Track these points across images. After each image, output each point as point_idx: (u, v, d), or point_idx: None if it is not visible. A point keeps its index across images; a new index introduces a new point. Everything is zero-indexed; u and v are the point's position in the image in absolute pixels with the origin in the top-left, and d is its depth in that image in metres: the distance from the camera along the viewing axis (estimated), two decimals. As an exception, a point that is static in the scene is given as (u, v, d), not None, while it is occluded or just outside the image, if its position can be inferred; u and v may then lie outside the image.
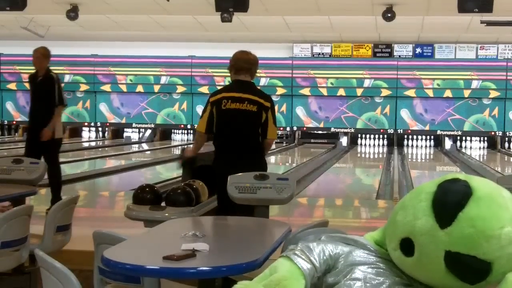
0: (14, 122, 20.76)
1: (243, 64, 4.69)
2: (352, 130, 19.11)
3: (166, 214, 4.13)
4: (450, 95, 18.64)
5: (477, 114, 18.67)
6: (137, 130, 20.31)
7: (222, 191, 4.39)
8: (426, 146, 19.25)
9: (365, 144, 19.34)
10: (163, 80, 19.71)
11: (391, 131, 18.98)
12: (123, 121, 20.11)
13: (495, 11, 10.22)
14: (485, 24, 13.54)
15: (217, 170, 4.65)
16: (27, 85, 21.58)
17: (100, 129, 20.64)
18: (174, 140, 20.15)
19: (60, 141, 7.19)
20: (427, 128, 18.90)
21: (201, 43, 18.89)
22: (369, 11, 13.35)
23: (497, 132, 18.64)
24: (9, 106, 20.53)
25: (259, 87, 5.02)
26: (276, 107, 5.14)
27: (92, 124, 20.29)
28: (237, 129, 4.64)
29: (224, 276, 2.70)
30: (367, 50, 18.94)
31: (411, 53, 18.84)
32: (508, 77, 18.37)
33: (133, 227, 4.51)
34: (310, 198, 9.01)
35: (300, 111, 19.08)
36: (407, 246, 1.93)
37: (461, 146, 18.95)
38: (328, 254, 2.04)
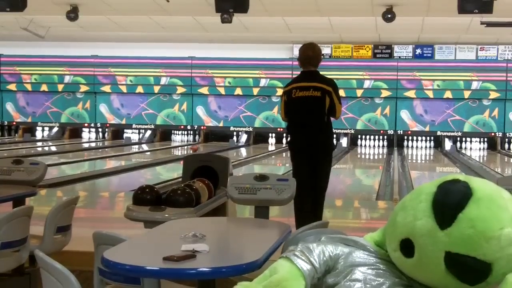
0: (14, 123, 20.77)
1: (304, 58, 5.60)
2: (352, 131, 19.12)
3: (166, 215, 4.13)
4: (450, 96, 18.64)
5: (477, 115, 18.68)
6: (137, 131, 20.31)
7: (296, 164, 5.55)
8: (426, 147, 19.25)
9: (365, 145, 19.34)
10: (163, 81, 19.71)
11: (391, 132, 18.98)
12: (123, 122, 20.11)
13: (495, 12, 10.22)
14: (485, 25, 13.54)
15: (290, 146, 5.67)
16: (27, 86, 21.63)
17: (100, 130, 20.64)
18: (174, 141, 20.15)
19: None
20: (427, 129, 18.90)
21: (201, 44, 18.89)
22: (369, 12, 13.35)
23: (497, 133, 18.65)
24: (9, 107, 20.54)
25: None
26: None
27: (92, 125, 20.29)
28: (304, 112, 5.48)
29: (224, 277, 2.70)
30: (367, 51, 18.94)
31: (411, 54, 18.84)
32: (508, 78, 18.37)
33: (133, 228, 4.51)
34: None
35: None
36: (407, 247, 1.93)
37: (461, 147, 18.94)
38: (328, 255, 2.04)
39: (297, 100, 5.50)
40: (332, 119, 5.63)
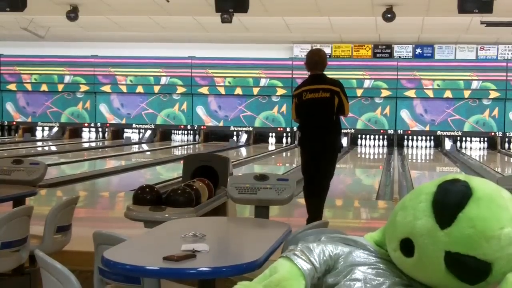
0: (14, 123, 20.77)
1: (311, 63, 5.93)
2: (352, 131, 19.11)
3: (166, 215, 4.13)
4: (450, 96, 18.64)
5: (477, 115, 18.68)
6: (137, 130, 20.31)
7: (305, 160, 5.85)
8: (426, 146, 19.24)
9: (365, 145, 19.33)
10: (163, 80, 19.71)
11: (391, 131, 18.98)
12: (123, 121, 20.11)
13: (495, 12, 10.22)
14: (485, 25, 13.55)
15: (301, 144, 6.03)
16: (27, 86, 21.62)
17: (100, 129, 20.64)
18: (174, 140, 20.14)
19: None
20: (427, 128, 18.90)
21: (201, 44, 18.89)
22: (369, 12, 13.35)
23: (497, 133, 18.64)
24: (9, 106, 20.54)
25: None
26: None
27: (92, 124, 20.29)
28: (315, 113, 5.83)
29: (224, 277, 2.70)
30: (367, 51, 18.94)
31: (411, 54, 18.84)
32: (508, 78, 18.37)
33: (133, 227, 4.51)
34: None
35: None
36: (407, 247, 1.93)
37: (461, 147, 18.94)
38: (328, 254, 2.04)
39: (308, 102, 5.83)
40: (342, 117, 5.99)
